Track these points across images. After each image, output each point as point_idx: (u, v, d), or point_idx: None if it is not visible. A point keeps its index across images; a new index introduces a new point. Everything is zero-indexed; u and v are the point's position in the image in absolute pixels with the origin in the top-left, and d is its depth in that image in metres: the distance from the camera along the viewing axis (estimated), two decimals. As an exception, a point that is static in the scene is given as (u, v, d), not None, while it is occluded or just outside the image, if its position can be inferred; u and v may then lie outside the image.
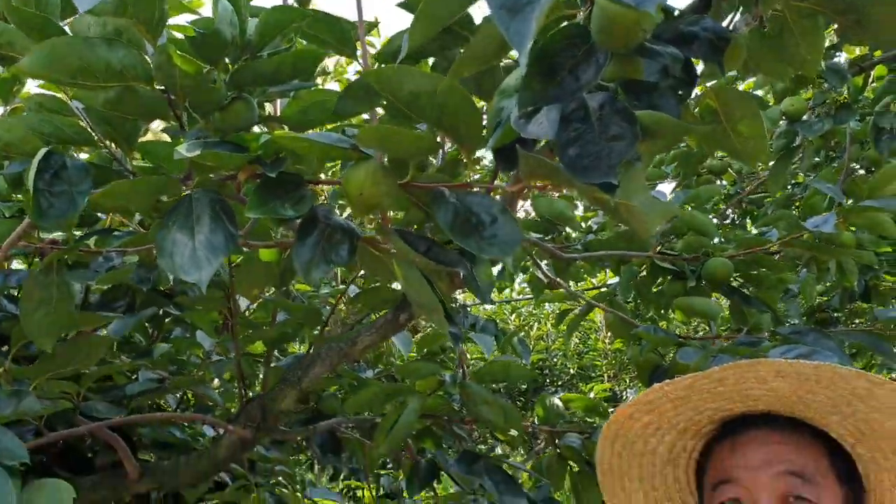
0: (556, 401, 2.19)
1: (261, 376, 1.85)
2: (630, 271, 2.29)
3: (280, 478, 2.05)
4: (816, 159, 2.80)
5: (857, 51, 2.82)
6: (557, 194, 3.03)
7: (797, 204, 2.75)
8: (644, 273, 2.24)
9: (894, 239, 1.81)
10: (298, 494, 1.96)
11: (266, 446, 1.91)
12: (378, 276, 1.08)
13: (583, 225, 2.25)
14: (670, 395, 0.98)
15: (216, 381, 2.09)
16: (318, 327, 1.73)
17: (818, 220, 1.71)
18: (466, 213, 0.91)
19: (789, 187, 3.44)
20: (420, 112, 0.86)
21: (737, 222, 3.34)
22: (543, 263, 3.38)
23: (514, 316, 8.58)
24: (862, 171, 2.79)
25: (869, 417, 0.92)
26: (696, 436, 1.05)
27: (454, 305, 3.58)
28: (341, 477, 3.91)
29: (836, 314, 3.11)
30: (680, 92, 0.88)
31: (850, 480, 0.97)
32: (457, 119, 0.87)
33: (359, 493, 4.14)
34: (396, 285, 1.78)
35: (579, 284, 3.45)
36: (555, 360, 8.64)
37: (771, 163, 2.57)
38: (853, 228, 2.07)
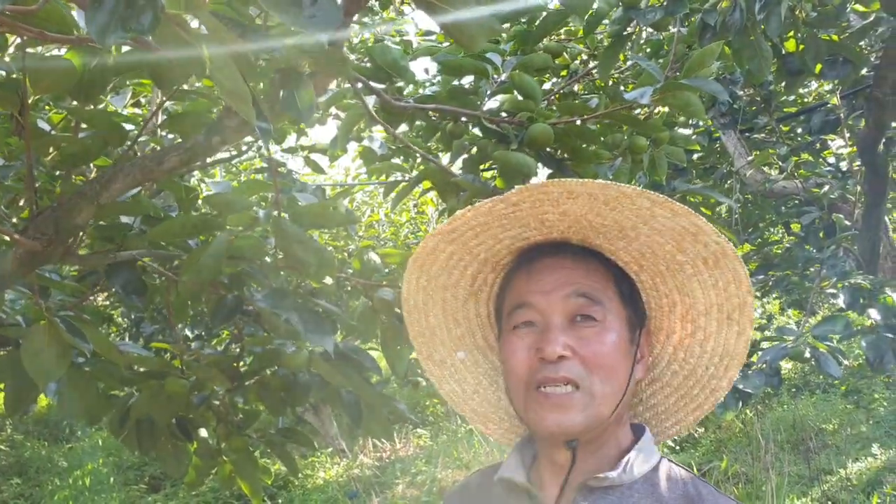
0: (373, 255, 2.21)
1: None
2: (461, 145, 2.31)
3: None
4: (648, 50, 2.91)
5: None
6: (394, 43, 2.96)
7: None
8: (474, 151, 2.27)
9: (703, 122, 1.90)
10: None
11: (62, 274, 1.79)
12: (182, 65, 1.00)
13: (417, 78, 2.22)
14: (471, 223, 1.00)
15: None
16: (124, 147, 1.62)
17: (636, 92, 1.78)
18: (283, -12, 0.85)
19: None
20: None
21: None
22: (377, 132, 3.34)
23: (347, 201, 8.55)
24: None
25: (651, 241, 0.99)
26: (496, 268, 1.09)
27: (282, 170, 3.49)
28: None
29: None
30: None
31: (633, 303, 1.04)
32: None
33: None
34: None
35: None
36: (385, 247, 8.73)
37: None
38: (666, 109, 2.18)
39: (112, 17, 0.88)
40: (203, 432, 2.37)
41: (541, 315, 1.00)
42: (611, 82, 3.60)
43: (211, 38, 0.95)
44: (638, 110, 2.14)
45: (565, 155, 2.03)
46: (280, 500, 5.98)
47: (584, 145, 1.99)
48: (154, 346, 3.40)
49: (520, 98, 1.90)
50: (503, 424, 1.20)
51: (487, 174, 2.64)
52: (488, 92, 1.94)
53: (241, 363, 2.17)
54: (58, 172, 1.89)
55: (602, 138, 2.17)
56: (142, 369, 2.20)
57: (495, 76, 2.00)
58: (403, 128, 4.13)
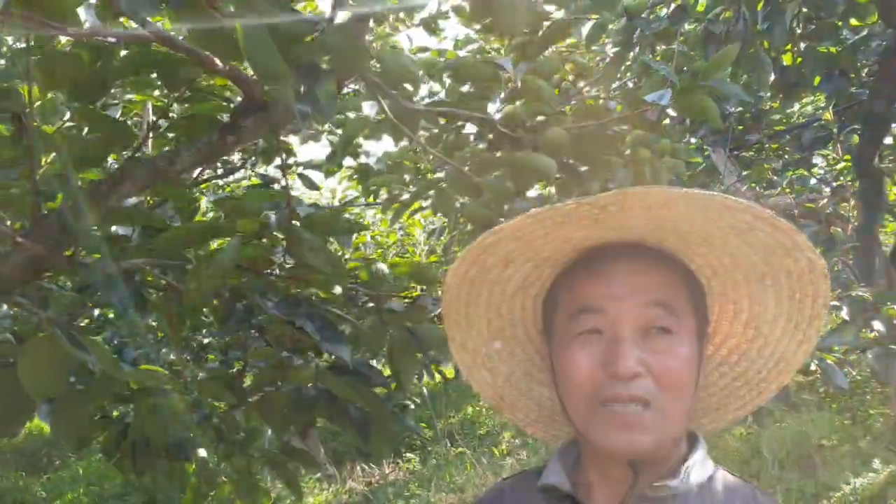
0: (382, 266, 2.15)
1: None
2: (462, 157, 2.27)
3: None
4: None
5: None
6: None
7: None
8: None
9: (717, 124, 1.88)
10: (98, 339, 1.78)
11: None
12: (211, 49, 0.95)
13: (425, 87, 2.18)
14: (546, 222, 0.91)
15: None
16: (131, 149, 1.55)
17: (655, 94, 1.75)
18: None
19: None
20: None
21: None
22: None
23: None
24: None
25: (737, 251, 0.94)
26: (554, 265, 1.02)
27: (280, 186, 3.43)
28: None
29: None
30: None
31: (702, 311, 0.99)
32: None
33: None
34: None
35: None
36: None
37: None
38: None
39: (144, -9, 0.83)
40: (202, 452, 2.29)
41: (610, 323, 0.92)
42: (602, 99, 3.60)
43: (245, 14, 0.90)
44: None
45: (576, 161, 1.99)
46: (268, 528, 5.82)
47: (598, 151, 1.96)
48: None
49: (532, 103, 1.87)
50: (531, 414, 1.14)
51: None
52: (501, 96, 1.90)
53: (245, 379, 2.09)
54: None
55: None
56: (137, 387, 2.12)
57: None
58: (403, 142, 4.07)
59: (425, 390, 8.76)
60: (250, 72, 1.46)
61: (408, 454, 7.63)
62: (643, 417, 0.89)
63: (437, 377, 10.40)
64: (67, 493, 7.17)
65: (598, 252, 0.97)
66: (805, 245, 0.91)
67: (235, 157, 4.45)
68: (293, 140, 3.49)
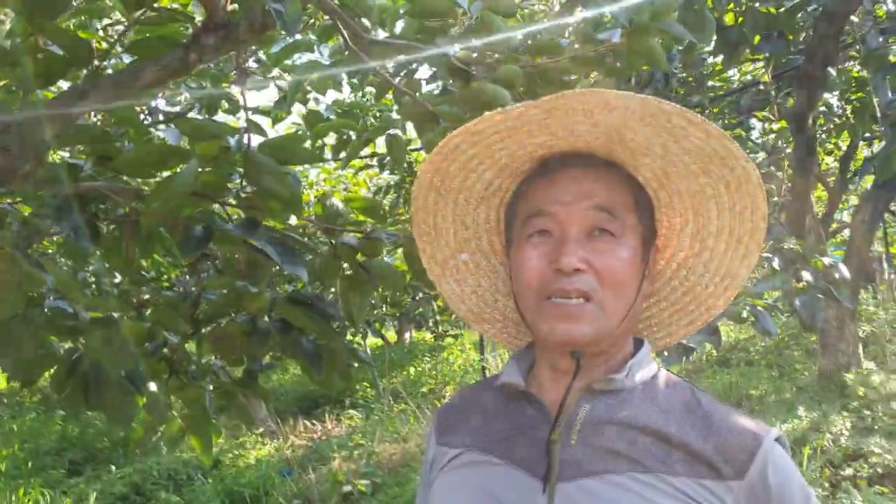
0: (336, 200, 2.18)
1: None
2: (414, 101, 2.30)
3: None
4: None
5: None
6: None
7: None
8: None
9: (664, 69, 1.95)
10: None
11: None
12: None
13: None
14: (499, 126, 0.99)
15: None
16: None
17: (607, 33, 1.81)
18: None
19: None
20: None
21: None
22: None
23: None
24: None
25: (677, 160, 1.01)
26: (514, 174, 1.09)
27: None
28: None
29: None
30: None
31: (649, 220, 1.06)
32: None
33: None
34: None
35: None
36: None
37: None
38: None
39: None
40: (152, 386, 2.29)
41: (558, 225, 1.00)
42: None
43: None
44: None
45: (530, 98, 2.05)
46: (211, 480, 5.85)
47: (551, 89, 2.01)
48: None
49: (489, 39, 1.91)
50: (496, 325, 1.22)
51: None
52: (459, 32, 1.94)
53: (200, 310, 2.10)
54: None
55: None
56: (91, 317, 2.11)
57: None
58: (347, 93, 4.07)
59: (368, 351, 8.82)
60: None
61: (350, 411, 7.71)
62: (584, 309, 0.97)
63: (380, 340, 10.48)
64: (2, 450, 7.05)
65: (551, 162, 1.05)
66: (738, 153, 0.99)
67: (179, 108, 4.39)
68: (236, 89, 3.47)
